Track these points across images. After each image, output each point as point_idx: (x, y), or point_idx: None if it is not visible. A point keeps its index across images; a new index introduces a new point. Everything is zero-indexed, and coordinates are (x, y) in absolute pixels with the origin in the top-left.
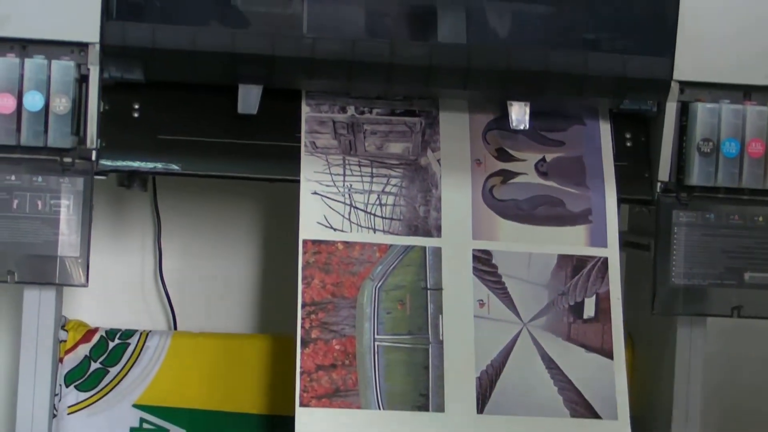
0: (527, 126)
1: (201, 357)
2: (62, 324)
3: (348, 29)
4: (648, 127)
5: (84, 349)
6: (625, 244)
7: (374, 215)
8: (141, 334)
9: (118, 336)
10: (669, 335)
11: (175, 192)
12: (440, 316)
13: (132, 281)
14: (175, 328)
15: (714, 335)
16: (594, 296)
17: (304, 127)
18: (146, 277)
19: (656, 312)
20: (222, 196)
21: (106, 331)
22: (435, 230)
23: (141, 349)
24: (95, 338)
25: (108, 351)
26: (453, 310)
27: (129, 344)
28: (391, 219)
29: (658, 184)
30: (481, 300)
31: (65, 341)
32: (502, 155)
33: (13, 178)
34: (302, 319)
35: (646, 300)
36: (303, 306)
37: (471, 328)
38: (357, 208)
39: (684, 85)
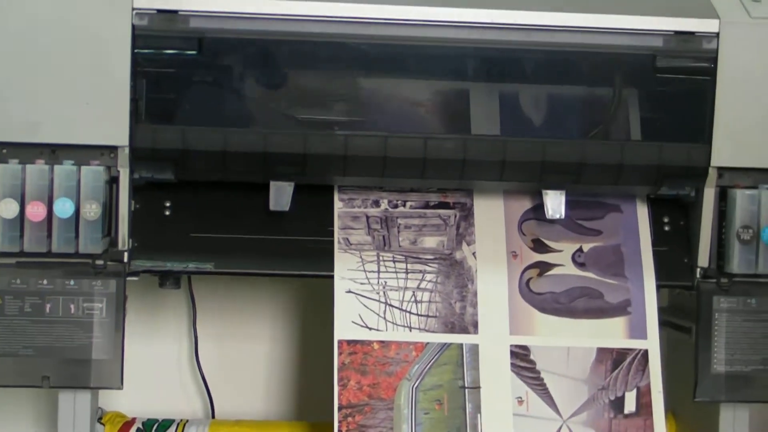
0: (563, 215)
1: None
2: (99, 417)
3: (380, 125)
4: (687, 211)
5: None
6: (664, 323)
7: (410, 312)
8: (178, 425)
9: (155, 428)
10: (712, 414)
11: (210, 276)
12: (479, 415)
13: (169, 366)
14: (213, 411)
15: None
16: (635, 390)
17: (337, 223)
18: (183, 361)
19: (698, 399)
20: (257, 279)
21: (143, 423)
22: (471, 326)
23: None
24: (132, 431)
25: None
26: (491, 409)
27: None
28: (427, 316)
29: (698, 269)
30: (520, 397)
31: None
32: (539, 246)
33: (45, 282)
34: (339, 422)
35: (687, 375)
36: (339, 408)
37: (510, 427)
38: (392, 305)
39: (722, 170)
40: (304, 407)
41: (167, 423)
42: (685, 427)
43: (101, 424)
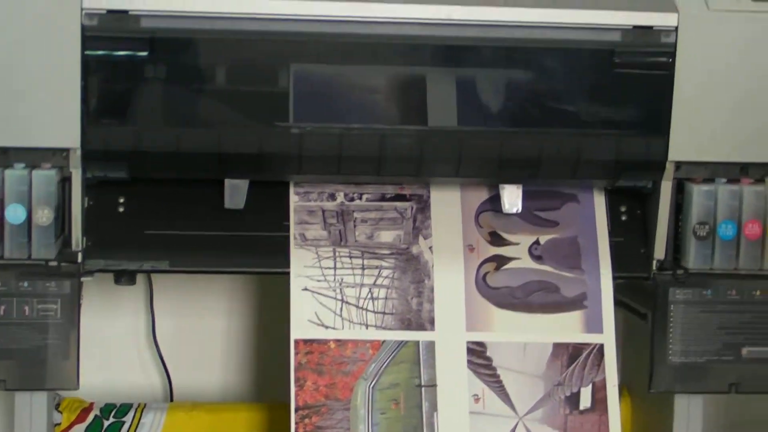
0: (520, 209)
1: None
2: (56, 403)
3: (335, 120)
4: (644, 201)
5: (79, 430)
6: (619, 303)
7: (366, 310)
8: (136, 410)
9: (113, 414)
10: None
11: None
12: (435, 413)
13: (127, 344)
14: (171, 389)
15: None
16: (590, 385)
17: (292, 218)
18: (140, 339)
19: (654, 390)
20: None
21: (101, 409)
22: (428, 323)
23: (136, 427)
24: (90, 418)
25: (103, 430)
26: (448, 407)
27: (124, 423)
28: (384, 313)
29: (655, 261)
30: (476, 395)
31: (59, 424)
32: (496, 239)
33: None
34: (296, 423)
35: (642, 352)
36: (296, 410)
37: (466, 425)
38: (348, 303)
39: (680, 163)
40: (263, 380)
41: (125, 408)
42: (638, 401)
43: (59, 412)
